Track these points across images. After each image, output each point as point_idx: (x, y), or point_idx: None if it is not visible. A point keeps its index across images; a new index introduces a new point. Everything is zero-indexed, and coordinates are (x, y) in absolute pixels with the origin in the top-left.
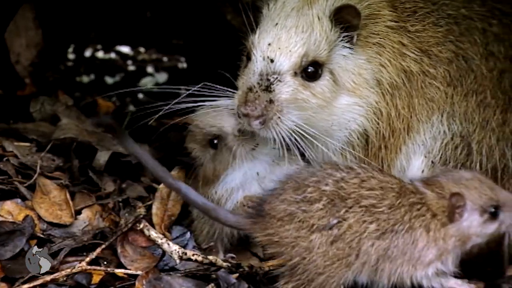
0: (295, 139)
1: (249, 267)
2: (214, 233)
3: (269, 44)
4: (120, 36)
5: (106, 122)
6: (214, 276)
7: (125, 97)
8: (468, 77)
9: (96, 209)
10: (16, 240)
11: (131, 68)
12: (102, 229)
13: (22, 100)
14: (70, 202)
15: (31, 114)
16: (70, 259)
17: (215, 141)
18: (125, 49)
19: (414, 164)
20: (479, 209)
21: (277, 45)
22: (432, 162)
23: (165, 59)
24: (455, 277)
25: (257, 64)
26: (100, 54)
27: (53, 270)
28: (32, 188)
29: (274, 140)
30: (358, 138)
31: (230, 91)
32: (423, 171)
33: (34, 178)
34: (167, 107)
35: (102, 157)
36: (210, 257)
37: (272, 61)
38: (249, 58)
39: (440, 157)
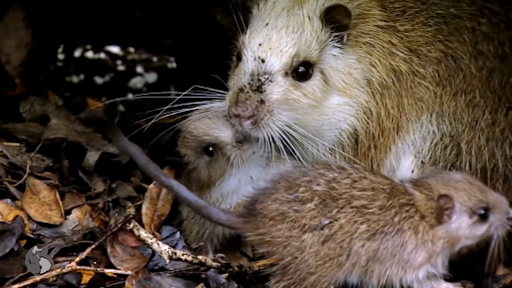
0: (286, 139)
1: (238, 267)
2: (204, 233)
3: (260, 45)
4: (109, 36)
5: (98, 117)
6: (203, 276)
7: (115, 97)
8: (457, 76)
9: (86, 209)
10: (6, 240)
11: (121, 68)
12: (92, 229)
13: (12, 100)
14: (60, 202)
15: (21, 114)
16: (60, 259)
17: (211, 149)
18: (115, 49)
19: (404, 164)
20: (468, 211)
21: (268, 45)
22: (422, 162)
23: (154, 59)
24: (446, 279)
25: (248, 64)
26: (89, 54)
27: None
28: (22, 188)
29: (265, 140)
30: (348, 138)
31: (221, 93)
32: (413, 171)
33: (24, 178)
34: (158, 114)
35: (92, 157)
36: (200, 257)
37: (263, 61)
38: (239, 58)
39: (430, 157)
